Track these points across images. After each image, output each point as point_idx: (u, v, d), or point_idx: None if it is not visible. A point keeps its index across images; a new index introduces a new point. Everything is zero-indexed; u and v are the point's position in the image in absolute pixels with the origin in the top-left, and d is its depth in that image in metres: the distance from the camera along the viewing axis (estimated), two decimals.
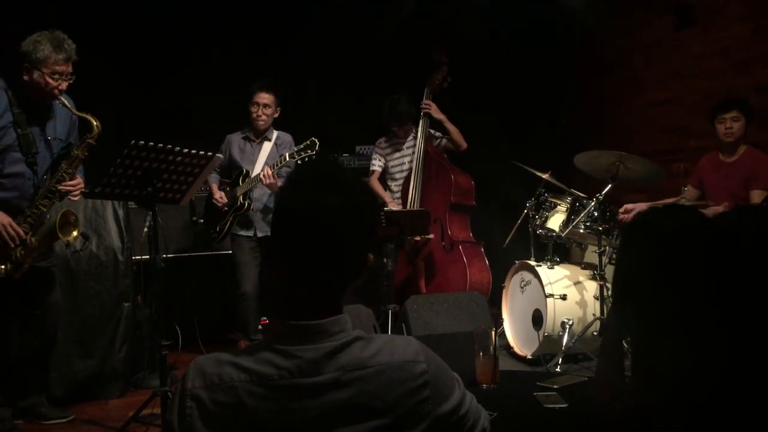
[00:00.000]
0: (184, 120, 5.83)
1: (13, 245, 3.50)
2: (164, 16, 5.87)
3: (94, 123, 3.58)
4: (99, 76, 5.32)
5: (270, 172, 4.72)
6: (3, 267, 3.52)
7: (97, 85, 4.68)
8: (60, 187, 3.60)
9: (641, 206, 4.71)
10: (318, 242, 1.36)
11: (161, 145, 3.45)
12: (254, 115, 5.01)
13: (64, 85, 3.54)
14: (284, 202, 1.43)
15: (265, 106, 5.00)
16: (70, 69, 3.55)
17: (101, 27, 5.53)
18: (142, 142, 3.38)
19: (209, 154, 3.70)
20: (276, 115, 5.08)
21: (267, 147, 5.10)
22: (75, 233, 3.68)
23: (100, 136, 3.60)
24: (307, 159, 4.69)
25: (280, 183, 4.79)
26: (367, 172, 5.93)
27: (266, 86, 5.00)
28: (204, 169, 3.73)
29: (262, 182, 4.80)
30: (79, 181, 3.67)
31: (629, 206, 4.72)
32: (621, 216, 4.72)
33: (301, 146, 4.73)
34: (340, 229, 1.37)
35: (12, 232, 3.48)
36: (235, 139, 5.16)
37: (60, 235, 3.60)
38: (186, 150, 3.56)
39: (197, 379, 1.35)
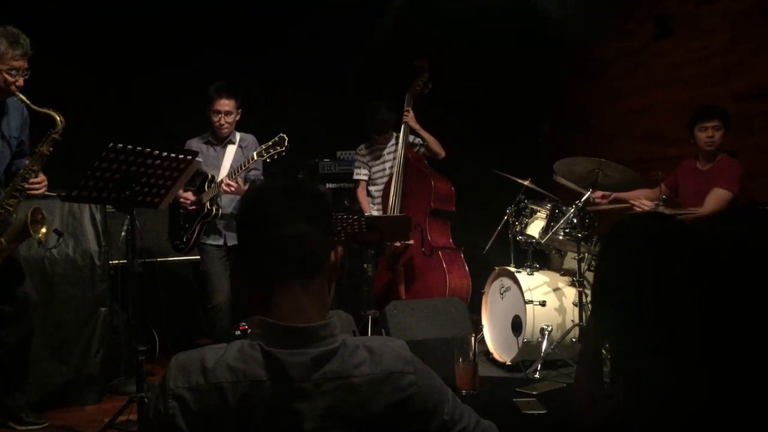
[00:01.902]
0: (162, 124, 5.79)
1: None
2: (145, 16, 5.83)
3: (58, 118, 3.52)
4: (72, 77, 5.29)
5: (228, 181, 4.50)
6: None
7: (71, 88, 4.63)
8: (27, 186, 3.54)
9: (617, 195, 4.87)
10: (272, 229, 1.39)
11: (140, 147, 3.41)
12: (216, 123, 4.71)
13: (20, 81, 3.47)
14: (240, 212, 1.50)
15: (227, 113, 4.69)
16: (26, 64, 3.48)
17: (72, 29, 5.48)
18: (120, 145, 3.34)
19: (189, 157, 3.66)
20: (238, 119, 4.80)
21: (231, 150, 4.83)
22: (44, 230, 3.63)
23: (65, 131, 3.54)
24: (276, 156, 4.47)
25: (246, 187, 4.63)
26: (348, 177, 5.92)
27: (226, 92, 4.69)
28: (183, 173, 3.69)
29: (225, 192, 4.55)
30: (43, 178, 3.61)
31: (605, 193, 4.89)
32: (598, 200, 4.86)
33: (269, 143, 4.48)
34: (292, 216, 1.39)
35: None
36: (195, 144, 4.80)
37: (32, 233, 3.55)
38: (165, 153, 3.52)
39: (180, 379, 1.33)
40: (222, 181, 4.59)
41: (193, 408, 1.31)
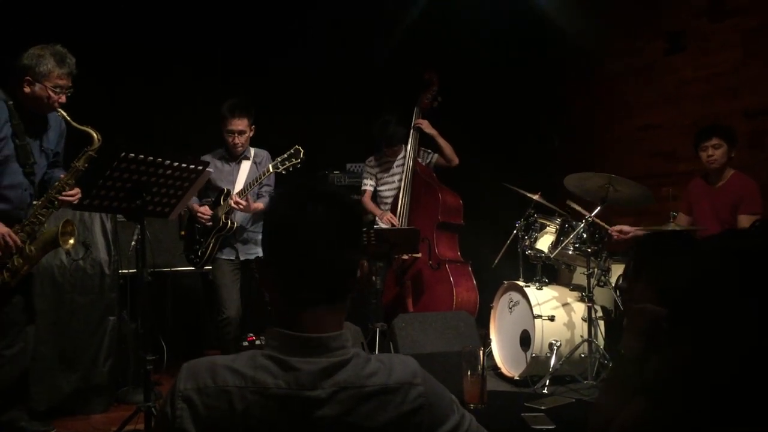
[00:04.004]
0: (173, 132, 5.83)
1: (9, 255, 3.50)
2: (156, 21, 5.86)
3: (95, 136, 3.59)
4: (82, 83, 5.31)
5: (238, 199, 4.51)
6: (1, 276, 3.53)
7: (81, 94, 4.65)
8: (61, 198, 3.59)
9: (636, 230, 4.75)
10: (307, 252, 1.38)
11: (151, 157, 3.43)
12: (231, 143, 4.73)
13: (63, 98, 3.56)
14: (272, 216, 1.46)
15: (241, 132, 4.71)
16: (70, 83, 3.58)
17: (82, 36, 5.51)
18: (132, 155, 3.36)
19: (199, 167, 3.68)
20: (252, 135, 4.81)
21: (246, 165, 4.84)
22: (71, 241, 3.70)
23: (101, 148, 3.61)
24: (292, 168, 4.49)
25: (260, 204, 4.64)
26: (357, 189, 5.92)
27: (239, 111, 4.69)
28: (194, 183, 3.71)
29: (235, 209, 4.56)
30: (77, 191, 3.66)
31: (625, 228, 4.74)
32: (615, 235, 4.75)
33: (285, 156, 4.52)
34: (328, 238, 1.39)
35: (10, 242, 3.48)
36: (210, 160, 4.69)
37: (60, 243, 3.62)
38: (176, 163, 3.54)
39: (189, 381, 1.34)
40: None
41: (201, 410, 1.32)
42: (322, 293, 1.40)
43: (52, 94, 3.51)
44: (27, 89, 3.52)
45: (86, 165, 3.62)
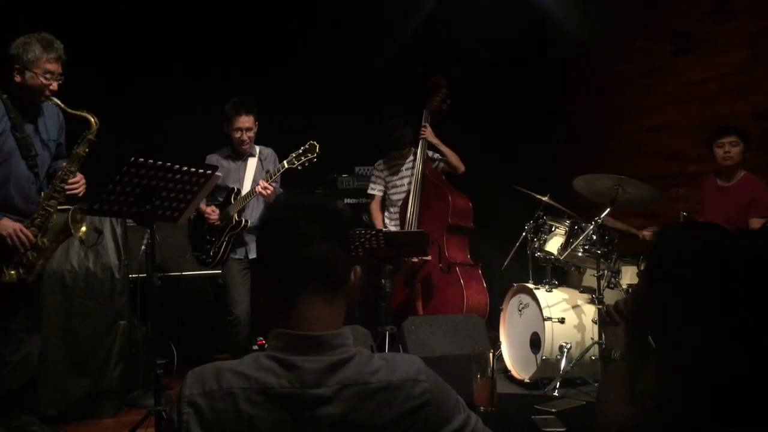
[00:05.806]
0: (179, 134, 5.84)
1: (23, 251, 3.52)
2: (161, 24, 5.87)
3: (92, 119, 3.62)
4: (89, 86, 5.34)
5: (266, 184, 4.52)
6: (14, 272, 3.54)
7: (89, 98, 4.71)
8: (66, 187, 3.61)
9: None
10: (296, 246, 1.41)
11: (161, 162, 3.43)
12: (239, 140, 4.75)
13: (55, 85, 3.56)
14: (263, 223, 1.52)
15: (248, 129, 4.75)
16: (60, 69, 3.58)
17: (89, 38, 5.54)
18: (142, 159, 3.36)
19: (208, 172, 3.68)
20: (256, 131, 4.85)
21: (252, 163, 4.88)
22: (83, 228, 3.71)
23: (99, 132, 3.63)
24: (307, 164, 4.51)
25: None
26: (365, 192, 5.92)
27: (245, 108, 4.73)
28: (203, 187, 3.71)
29: (261, 195, 4.55)
30: (81, 177, 3.68)
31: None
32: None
33: (300, 151, 4.53)
34: (315, 234, 1.42)
35: (23, 237, 3.50)
36: (215, 160, 4.85)
37: (72, 232, 3.62)
38: (185, 167, 3.54)
39: (195, 386, 1.36)
40: (250, 191, 4.63)
41: (207, 414, 1.33)
42: (316, 284, 1.42)
43: (43, 80, 3.51)
44: (18, 78, 3.53)
45: (87, 150, 3.64)
